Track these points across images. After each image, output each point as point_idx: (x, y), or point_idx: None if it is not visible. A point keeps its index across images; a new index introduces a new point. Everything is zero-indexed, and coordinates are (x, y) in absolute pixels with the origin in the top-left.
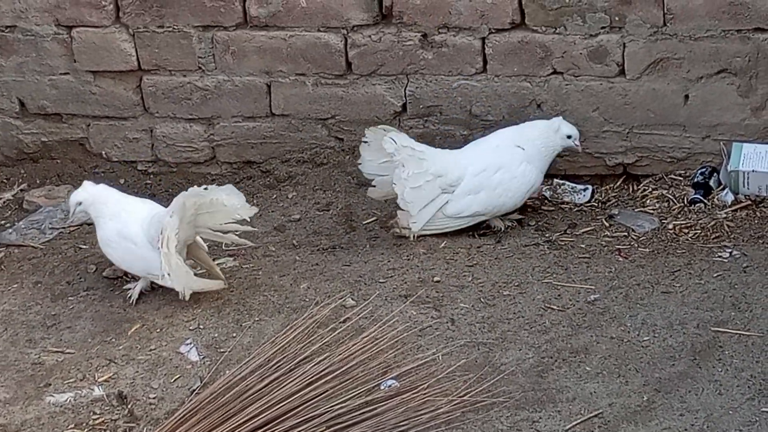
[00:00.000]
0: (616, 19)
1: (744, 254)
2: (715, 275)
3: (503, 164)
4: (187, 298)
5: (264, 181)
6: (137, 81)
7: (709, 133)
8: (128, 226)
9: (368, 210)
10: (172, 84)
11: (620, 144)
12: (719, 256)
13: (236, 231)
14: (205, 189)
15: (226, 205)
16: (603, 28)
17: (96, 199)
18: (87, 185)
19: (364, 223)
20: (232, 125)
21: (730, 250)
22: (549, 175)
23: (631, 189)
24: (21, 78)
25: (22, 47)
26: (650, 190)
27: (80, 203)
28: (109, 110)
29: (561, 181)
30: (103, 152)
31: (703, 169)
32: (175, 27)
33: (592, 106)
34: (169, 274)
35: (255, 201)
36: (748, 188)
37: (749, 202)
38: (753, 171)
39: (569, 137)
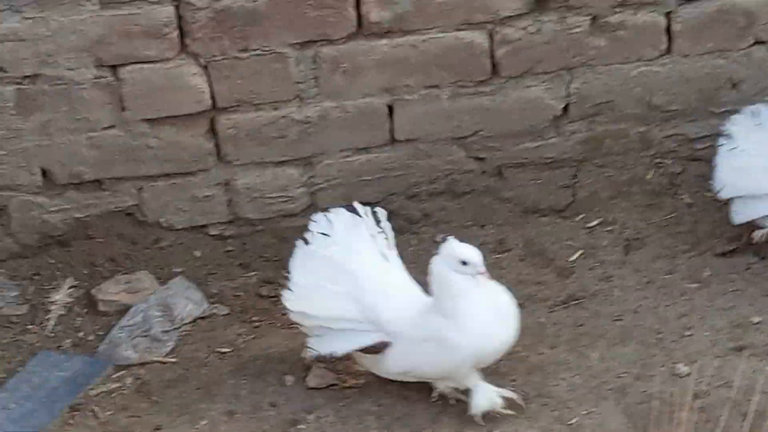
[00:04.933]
0: None
1: None
2: None
3: None
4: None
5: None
6: (208, 124)
7: None
8: None
9: (560, 241)
10: (260, 121)
11: None
12: None
13: None
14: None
15: None
16: None
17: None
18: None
19: (569, 260)
20: (339, 162)
21: None
22: None
23: None
24: (46, 141)
25: (48, 101)
26: None
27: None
28: (171, 166)
29: None
30: (163, 220)
31: None
32: (265, 48)
33: None
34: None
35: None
36: None
37: None
38: None
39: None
